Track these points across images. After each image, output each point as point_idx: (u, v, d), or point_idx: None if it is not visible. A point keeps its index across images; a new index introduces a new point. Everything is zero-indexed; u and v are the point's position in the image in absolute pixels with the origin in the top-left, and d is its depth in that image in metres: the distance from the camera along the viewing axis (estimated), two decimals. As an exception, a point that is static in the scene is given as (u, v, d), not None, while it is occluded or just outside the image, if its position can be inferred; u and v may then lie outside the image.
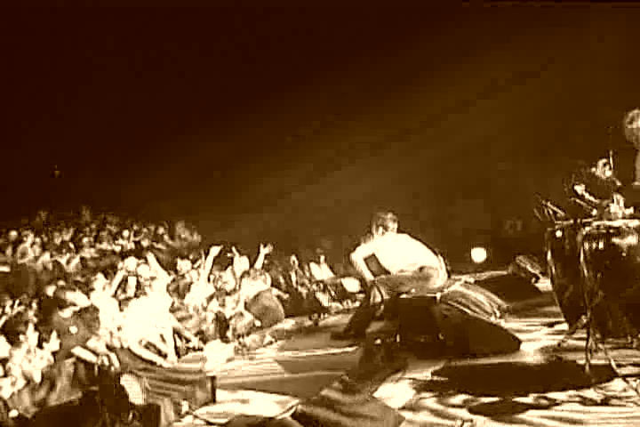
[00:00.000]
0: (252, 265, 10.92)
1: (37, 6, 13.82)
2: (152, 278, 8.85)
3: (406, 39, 14.43)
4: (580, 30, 12.96)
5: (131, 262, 9.84)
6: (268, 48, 15.81)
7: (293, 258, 12.16)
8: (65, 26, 14.57)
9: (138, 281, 8.96)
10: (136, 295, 8.51)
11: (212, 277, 10.29)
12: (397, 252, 8.14)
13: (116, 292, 8.57)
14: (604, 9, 12.29)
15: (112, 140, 16.28)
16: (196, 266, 10.61)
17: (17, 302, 7.80)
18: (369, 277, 8.08)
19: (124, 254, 10.84)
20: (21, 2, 13.71)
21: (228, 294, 9.78)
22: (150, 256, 10.63)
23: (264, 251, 11.11)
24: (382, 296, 7.70)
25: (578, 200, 8.05)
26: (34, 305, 7.70)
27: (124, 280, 8.91)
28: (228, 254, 10.80)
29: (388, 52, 14.94)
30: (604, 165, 8.64)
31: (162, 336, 7.96)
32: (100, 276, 8.61)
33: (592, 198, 8.58)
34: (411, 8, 14.39)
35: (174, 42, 15.54)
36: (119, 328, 7.63)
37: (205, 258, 10.49)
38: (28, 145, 15.30)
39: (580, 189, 8.65)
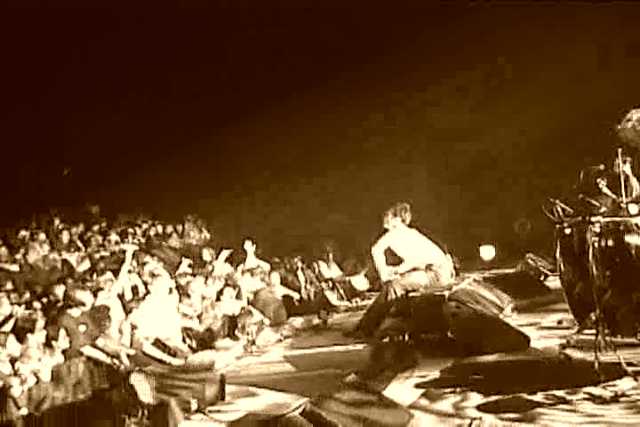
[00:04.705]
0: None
1: (44, 19, 13.99)
2: (155, 276, 8.82)
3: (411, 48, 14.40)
4: (587, 30, 12.90)
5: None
6: (276, 51, 15.74)
7: (298, 260, 12.10)
8: (70, 30, 14.63)
9: (144, 280, 8.99)
10: (145, 293, 8.54)
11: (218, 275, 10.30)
12: (411, 245, 8.13)
13: (122, 290, 8.57)
14: (614, 10, 12.22)
15: (120, 135, 16.21)
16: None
17: (26, 300, 7.83)
18: (385, 276, 8.04)
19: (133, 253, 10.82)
20: (26, 17, 13.84)
21: (236, 293, 9.79)
22: (156, 255, 10.67)
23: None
24: (396, 294, 7.68)
25: (587, 198, 8.04)
26: (43, 304, 7.71)
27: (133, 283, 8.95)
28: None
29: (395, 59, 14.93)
30: (614, 161, 8.62)
31: (170, 335, 7.97)
32: (108, 275, 8.61)
33: (610, 193, 8.55)
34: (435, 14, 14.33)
35: (179, 44, 15.53)
36: (133, 326, 7.65)
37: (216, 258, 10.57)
38: (34, 143, 15.31)
39: (602, 183, 8.62)
